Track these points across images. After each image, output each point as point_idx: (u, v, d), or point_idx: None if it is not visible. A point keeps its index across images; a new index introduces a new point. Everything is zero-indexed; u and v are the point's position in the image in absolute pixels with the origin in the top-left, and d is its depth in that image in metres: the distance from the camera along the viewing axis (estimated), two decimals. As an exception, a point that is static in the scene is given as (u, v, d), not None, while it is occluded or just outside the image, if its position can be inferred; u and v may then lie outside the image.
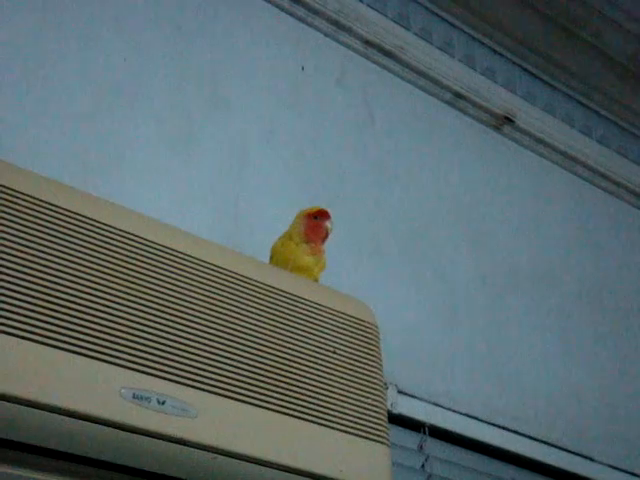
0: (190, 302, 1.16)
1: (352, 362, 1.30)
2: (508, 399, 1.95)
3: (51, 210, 1.10)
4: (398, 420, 1.72)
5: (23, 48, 1.49)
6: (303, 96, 1.87)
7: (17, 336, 1.00)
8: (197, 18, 1.75)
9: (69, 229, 1.10)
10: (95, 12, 1.60)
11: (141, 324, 1.10)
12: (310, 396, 1.22)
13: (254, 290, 1.24)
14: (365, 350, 1.33)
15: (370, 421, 1.28)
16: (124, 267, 1.12)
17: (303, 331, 1.26)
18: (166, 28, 1.69)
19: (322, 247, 1.43)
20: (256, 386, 1.17)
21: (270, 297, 1.25)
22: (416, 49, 2.07)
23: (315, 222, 1.44)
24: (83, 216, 1.12)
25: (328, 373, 1.26)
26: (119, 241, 1.14)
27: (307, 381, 1.23)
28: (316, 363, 1.25)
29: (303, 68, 1.89)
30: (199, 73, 1.71)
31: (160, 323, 1.12)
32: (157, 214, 1.28)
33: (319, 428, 1.21)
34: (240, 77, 1.77)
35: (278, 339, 1.23)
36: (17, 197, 1.08)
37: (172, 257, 1.18)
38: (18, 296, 1.02)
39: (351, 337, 1.32)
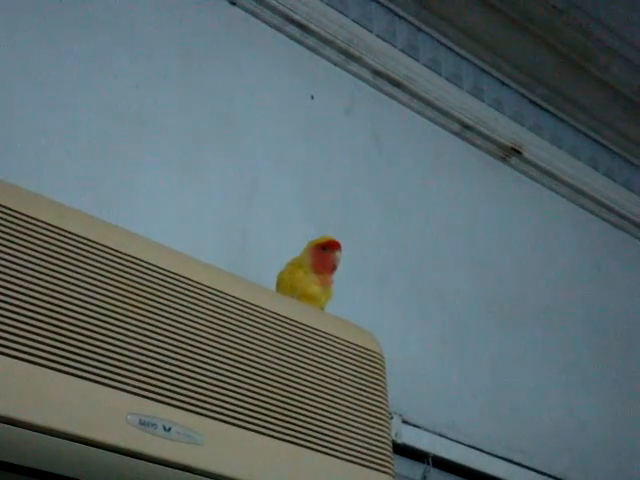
0: (197, 329, 1.16)
1: (357, 391, 1.30)
2: (512, 431, 1.94)
3: (61, 235, 1.10)
4: (402, 450, 1.71)
5: (36, 74, 1.50)
6: (312, 125, 1.88)
7: (24, 360, 1.00)
8: (208, 46, 1.76)
9: (79, 254, 1.10)
10: (107, 39, 1.61)
11: (148, 350, 1.10)
12: (315, 424, 1.22)
13: (261, 317, 1.24)
14: (370, 379, 1.33)
15: (374, 450, 1.27)
16: (132, 293, 1.12)
17: (309, 359, 1.26)
18: (177, 56, 1.70)
19: (331, 278, 1.43)
20: (262, 414, 1.17)
21: (277, 325, 1.25)
22: (425, 80, 2.08)
23: (323, 254, 1.43)
24: (92, 241, 1.13)
25: (333, 401, 1.26)
26: (127, 267, 1.14)
27: (312, 409, 1.23)
28: (322, 391, 1.25)
29: (313, 97, 1.89)
30: (209, 100, 1.72)
31: (167, 349, 1.12)
32: (165, 239, 1.28)
33: (324, 457, 1.21)
34: (250, 105, 1.78)
35: (284, 367, 1.23)
36: (26, 221, 1.08)
37: (179, 283, 1.18)
38: (25, 320, 1.02)
39: (357, 366, 1.32)
